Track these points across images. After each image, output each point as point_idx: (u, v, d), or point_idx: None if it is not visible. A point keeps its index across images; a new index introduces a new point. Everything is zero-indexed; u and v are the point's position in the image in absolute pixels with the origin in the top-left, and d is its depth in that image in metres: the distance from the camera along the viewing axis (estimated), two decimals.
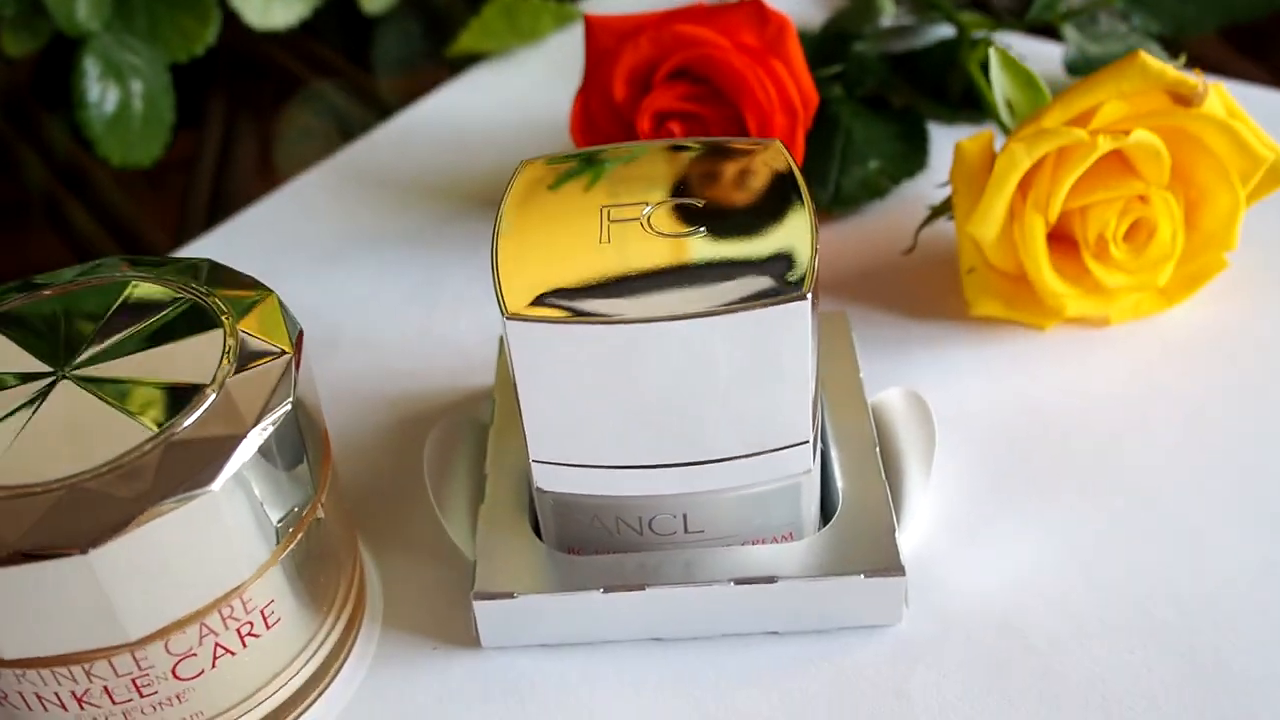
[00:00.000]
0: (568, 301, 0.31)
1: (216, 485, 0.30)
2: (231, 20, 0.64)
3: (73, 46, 0.58)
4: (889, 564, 0.36)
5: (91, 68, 0.54)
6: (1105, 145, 0.42)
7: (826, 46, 0.61)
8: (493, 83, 0.64)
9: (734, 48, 0.48)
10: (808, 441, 0.34)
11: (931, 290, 0.49)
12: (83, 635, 0.30)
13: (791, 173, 0.35)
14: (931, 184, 0.54)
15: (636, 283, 0.32)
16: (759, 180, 0.35)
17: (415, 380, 0.47)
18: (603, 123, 0.51)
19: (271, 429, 0.31)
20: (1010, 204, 0.44)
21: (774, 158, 0.35)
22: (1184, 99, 0.43)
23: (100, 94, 0.55)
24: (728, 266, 0.32)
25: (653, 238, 0.33)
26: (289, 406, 0.32)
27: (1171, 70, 0.42)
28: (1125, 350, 0.46)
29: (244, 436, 0.30)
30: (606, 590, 0.36)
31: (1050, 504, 0.40)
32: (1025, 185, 0.44)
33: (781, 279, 0.31)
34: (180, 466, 0.30)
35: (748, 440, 0.34)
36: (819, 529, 0.37)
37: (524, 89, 0.64)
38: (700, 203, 0.34)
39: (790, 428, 0.34)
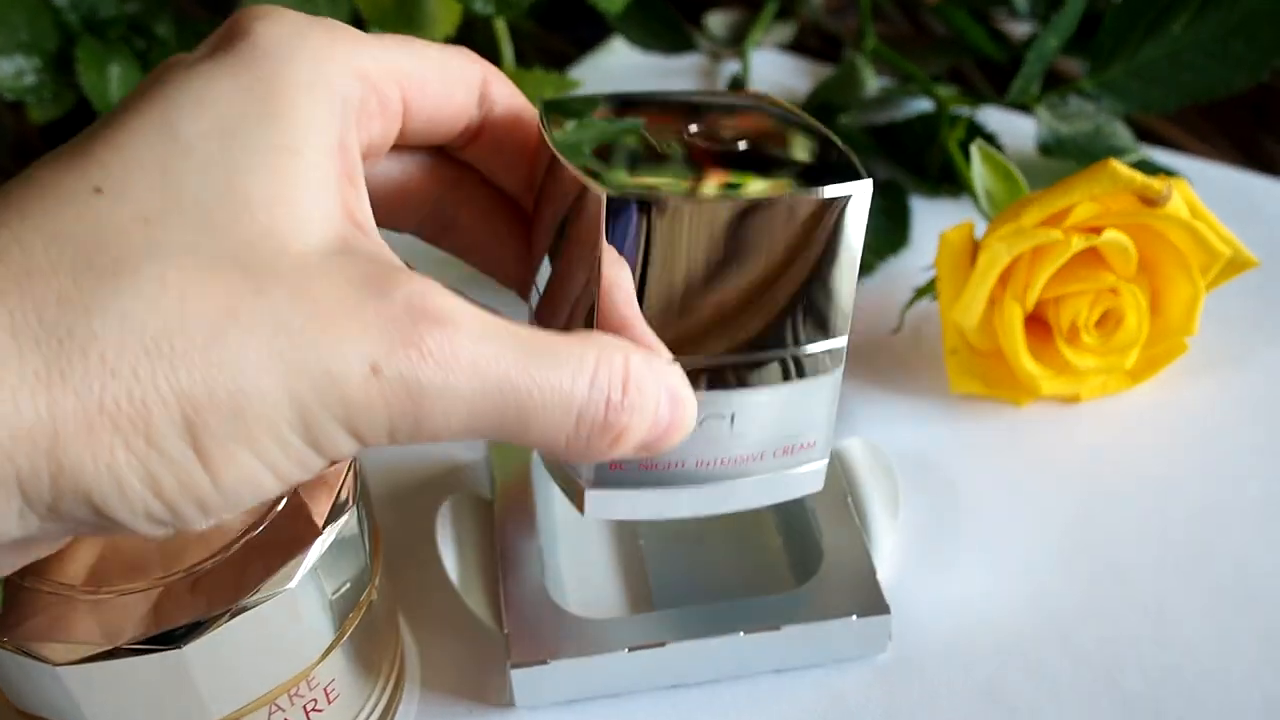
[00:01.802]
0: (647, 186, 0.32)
1: (293, 583, 0.33)
2: None
3: (85, 104, 0.61)
4: (875, 605, 0.41)
5: None
6: (1078, 244, 0.46)
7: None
8: None
9: None
10: (845, 335, 0.36)
11: (915, 365, 0.53)
12: (168, 716, 0.33)
13: (799, 114, 0.37)
14: (913, 258, 0.58)
15: (699, 176, 0.33)
16: (770, 121, 0.37)
17: (402, 451, 0.50)
18: None
19: (338, 530, 0.34)
20: (991, 294, 0.48)
21: (771, 104, 0.37)
22: (1150, 200, 0.47)
23: None
24: (780, 165, 0.34)
25: (701, 145, 0.34)
26: (353, 509, 0.35)
27: (1139, 176, 0.46)
28: (1095, 425, 0.50)
29: (316, 538, 0.34)
30: (631, 650, 0.40)
31: (1029, 574, 0.44)
32: (1005, 277, 0.48)
33: (834, 170, 0.33)
34: (259, 567, 0.33)
35: (798, 331, 0.35)
36: (803, 580, 0.42)
37: None
38: (731, 129, 0.36)
39: (836, 318, 0.35)
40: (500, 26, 0.60)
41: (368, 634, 0.38)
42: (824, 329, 0.35)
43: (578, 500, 0.37)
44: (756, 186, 0.32)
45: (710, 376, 0.35)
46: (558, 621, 0.41)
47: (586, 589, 0.44)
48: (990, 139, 0.61)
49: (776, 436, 0.37)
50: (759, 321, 0.34)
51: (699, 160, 0.33)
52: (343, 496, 0.35)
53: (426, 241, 0.38)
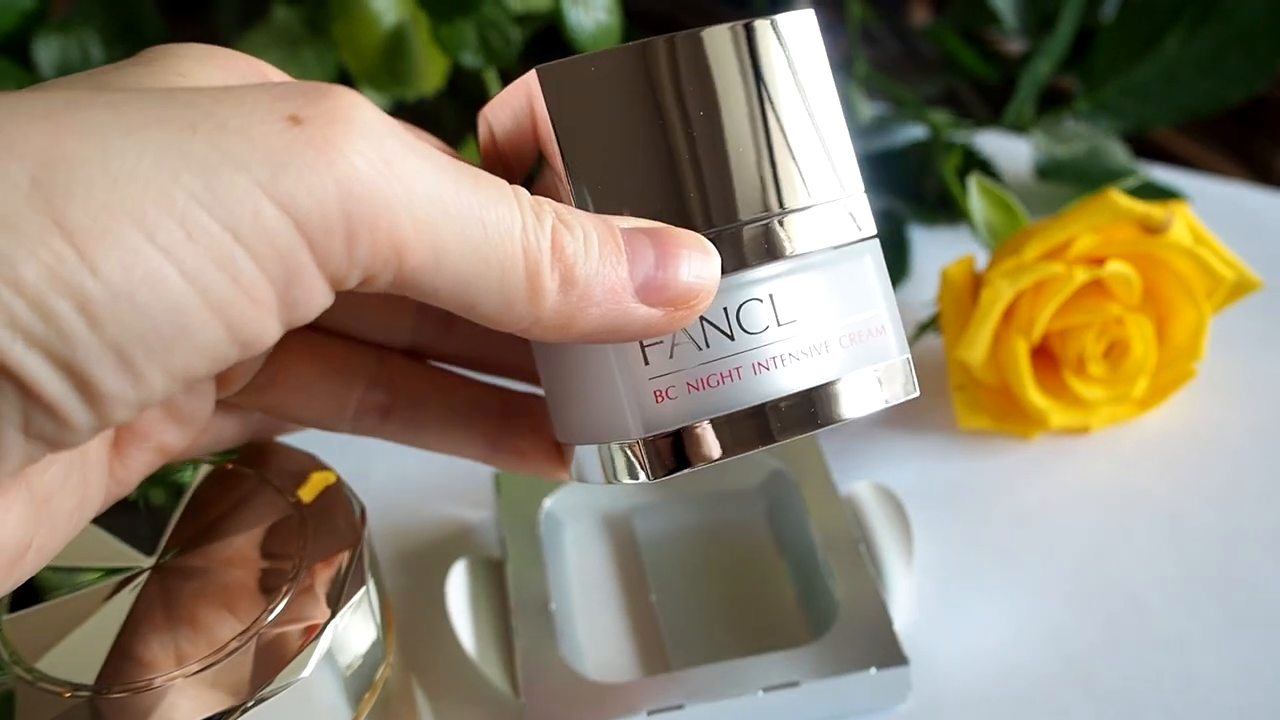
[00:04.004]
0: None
1: (307, 672, 0.33)
2: None
3: None
4: (893, 656, 0.40)
5: None
6: (1081, 277, 0.46)
7: None
8: None
9: None
10: (859, 187, 0.31)
11: (922, 401, 0.52)
12: None
13: None
14: (914, 291, 0.57)
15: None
16: None
17: (410, 513, 0.50)
18: None
19: (350, 613, 0.34)
20: (995, 330, 0.47)
21: None
22: (1152, 229, 0.46)
23: None
24: None
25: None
26: (364, 589, 0.35)
27: (1140, 206, 0.46)
28: (1106, 455, 0.50)
29: (328, 623, 0.33)
30: (650, 714, 0.40)
31: (1046, 613, 0.44)
32: (1009, 313, 0.47)
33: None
34: (272, 657, 0.33)
35: (803, 182, 0.30)
36: (819, 634, 0.42)
37: None
38: None
39: (836, 163, 0.31)
40: (490, 76, 0.59)
41: (384, 711, 0.38)
42: (831, 179, 0.31)
43: (635, 465, 0.31)
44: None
45: (727, 253, 0.30)
46: (574, 687, 0.40)
47: (601, 649, 0.44)
48: (986, 165, 0.61)
49: (834, 319, 0.31)
50: (753, 176, 0.30)
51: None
52: (354, 574, 0.35)
53: (427, 353, 0.37)
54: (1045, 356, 0.49)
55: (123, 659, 0.33)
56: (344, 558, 0.35)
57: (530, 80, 0.29)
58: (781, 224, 0.30)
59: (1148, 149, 0.67)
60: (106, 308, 0.21)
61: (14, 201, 0.20)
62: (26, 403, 0.21)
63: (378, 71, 0.56)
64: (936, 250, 0.58)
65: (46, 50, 0.57)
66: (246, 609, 0.34)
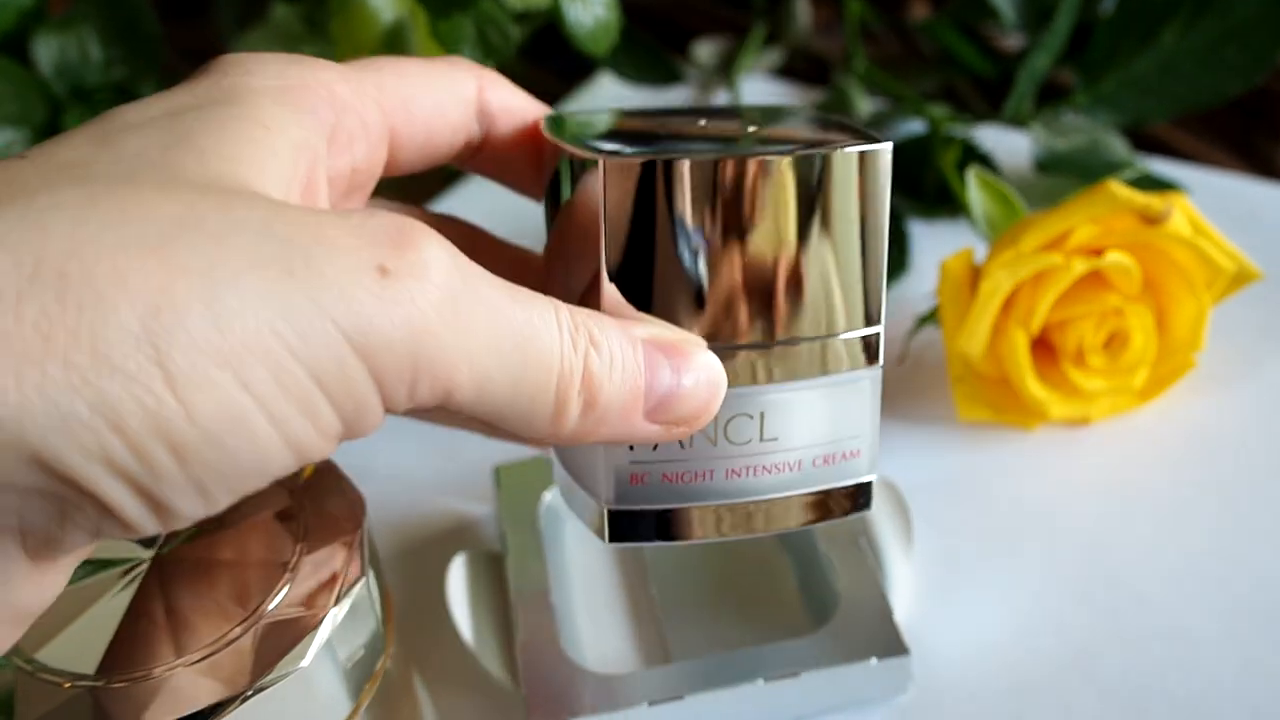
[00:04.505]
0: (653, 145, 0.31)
1: (306, 661, 0.33)
2: None
3: None
4: (894, 646, 0.41)
5: None
6: (1080, 268, 0.46)
7: None
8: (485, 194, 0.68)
9: None
10: (880, 323, 0.33)
11: (921, 393, 0.52)
12: None
13: (819, 113, 0.37)
14: (914, 284, 0.57)
15: (713, 143, 0.31)
16: (785, 113, 0.37)
17: (409, 507, 0.50)
18: None
19: (349, 603, 0.34)
20: (994, 321, 0.47)
21: (793, 107, 0.37)
22: (1151, 220, 0.46)
23: None
24: (794, 141, 0.32)
25: (712, 130, 0.33)
26: (363, 580, 0.35)
27: (1139, 196, 0.46)
28: (1106, 446, 0.50)
29: (326, 613, 0.33)
30: (651, 704, 0.39)
31: (1047, 603, 0.44)
32: (1008, 304, 0.47)
33: (852, 138, 0.31)
34: (271, 646, 0.33)
35: (827, 314, 0.32)
36: (820, 624, 0.42)
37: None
38: (744, 121, 0.35)
39: (868, 299, 0.32)
40: None
41: (384, 703, 0.38)
42: (856, 312, 0.32)
43: (598, 526, 0.33)
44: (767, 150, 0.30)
45: (732, 369, 0.31)
46: (574, 678, 0.40)
47: (602, 642, 0.44)
48: (985, 159, 0.61)
49: (814, 442, 0.33)
50: (781, 303, 0.31)
51: (708, 139, 0.32)
52: (353, 565, 0.35)
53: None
54: (1045, 348, 0.49)
55: (122, 649, 0.33)
56: (343, 549, 0.35)
57: (592, 171, 0.30)
58: (799, 351, 0.32)
59: (1147, 143, 0.67)
60: (197, 450, 0.22)
61: (124, 345, 0.21)
62: (102, 517, 0.23)
63: None
64: (936, 243, 0.58)
65: (45, 48, 0.57)
66: (246, 599, 0.34)
